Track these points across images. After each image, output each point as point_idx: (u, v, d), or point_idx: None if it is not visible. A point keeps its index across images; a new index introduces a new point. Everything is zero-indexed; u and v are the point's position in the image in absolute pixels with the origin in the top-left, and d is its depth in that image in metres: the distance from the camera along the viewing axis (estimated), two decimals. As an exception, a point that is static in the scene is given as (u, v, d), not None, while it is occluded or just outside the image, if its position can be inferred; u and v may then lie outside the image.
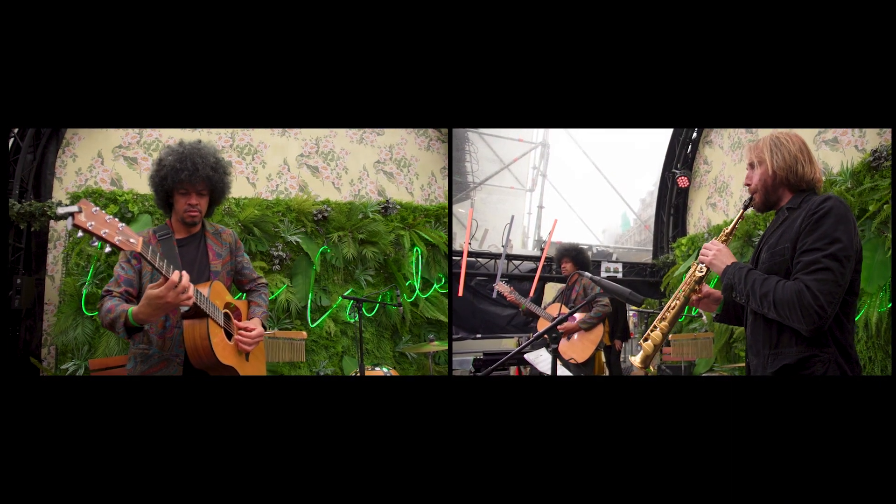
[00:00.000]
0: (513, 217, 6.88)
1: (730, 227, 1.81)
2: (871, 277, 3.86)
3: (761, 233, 5.02)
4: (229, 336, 2.13)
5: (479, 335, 6.68)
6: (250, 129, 5.92)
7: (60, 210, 1.51)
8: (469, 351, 7.07)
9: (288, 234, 5.21)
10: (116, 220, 1.62)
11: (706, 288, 1.84)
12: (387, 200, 5.58)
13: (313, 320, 5.19)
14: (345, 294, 5.23)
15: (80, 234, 1.53)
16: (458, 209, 9.28)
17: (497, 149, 10.27)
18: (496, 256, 6.59)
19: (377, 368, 4.54)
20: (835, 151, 4.95)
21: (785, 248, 1.57)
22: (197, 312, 1.93)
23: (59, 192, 5.30)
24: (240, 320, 2.25)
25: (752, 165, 1.74)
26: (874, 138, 4.54)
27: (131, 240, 1.64)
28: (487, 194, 10.40)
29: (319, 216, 5.34)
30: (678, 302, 1.82)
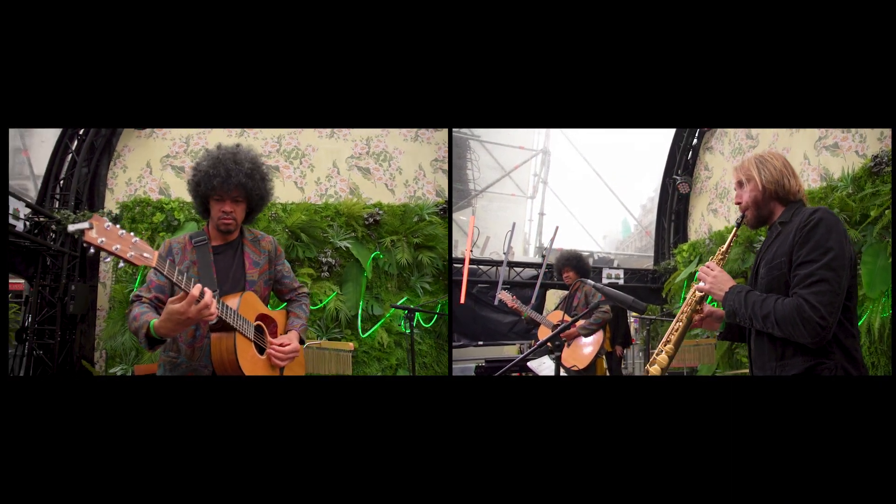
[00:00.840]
0: (514, 224, 6.88)
1: (725, 246, 1.85)
2: (873, 283, 3.85)
3: (762, 238, 5.01)
4: (262, 350, 2.06)
5: (480, 342, 6.67)
6: (297, 133, 5.84)
7: (71, 227, 1.47)
8: (471, 358, 7.05)
9: (337, 239, 5.01)
10: (131, 234, 1.58)
11: (707, 307, 1.87)
12: (445, 201, 5.27)
13: (364, 330, 4.96)
14: (397, 303, 4.91)
15: (91, 250, 1.50)
16: (460, 217, 9.29)
17: (498, 156, 10.30)
18: (498, 264, 6.58)
19: None
20: (836, 157, 4.96)
21: (781, 261, 1.62)
22: (224, 325, 1.87)
23: (111, 203, 5.49)
24: (276, 332, 2.16)
25: (740, 184, 1.80)
26: (875, 144, 4.55)
27: (145, 254, 1.60)
28: (489, 202, 10.42)
29: (371, 220, 5.10)
30: (681, 324, 1.85)
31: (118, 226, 1.55)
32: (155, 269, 1.64)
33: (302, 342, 2.22)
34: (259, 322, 2.08)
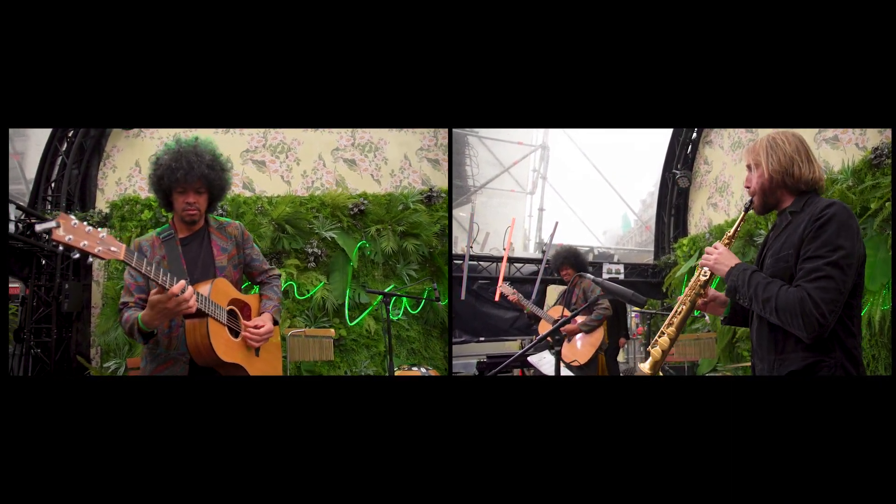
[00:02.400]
0: (514, 220, 6.88)
1: (732, 230, 1.80)
2: (873, 276, 3.85)
3: (763, 232, 5.03)
4: (236, 333, 2.12)
5: (482, 338, 6.67)
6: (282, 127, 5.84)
7: (38, 227, 1.49)
8: (472, 354, 7.05)
9: (323, 230, 5.07)
10: (99, 230, 1.60)
11: (712, 292, 1.83)
12: (430, 189, 5.32)
13: (352, 318, 5.03)
14: (381, 291, 4.83)
15: (60, 248, 1.52)
16: (459, 213, 9.28)
17: (497, 152, 10.28)
18: (497, 260, 6.58)
19: (414, 368, 4.39)
20: (835, 150, 4.95)
21: (789, 254, 1.57)
22: (197, 312, 1.92)
23: (101, 202, 5.54)
24: (250, 315, 2.23)
25: (749, 168, 1.74)
26: (875, 136, 4.54)
27: (112, 248, 1.62)
28: (488, 198, 10.41)
29: (356, 210, 5.15)
30: (685, 307, 1.81)
31: (85, 223, 1.57)
32: (123, 261, 1.67)
33: (276, 323, 2.29)
34: (232, 307, 2.14)
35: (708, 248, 1.76)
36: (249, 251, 2.35)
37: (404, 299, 5.05)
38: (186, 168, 2.07)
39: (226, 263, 2.21)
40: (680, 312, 1.82)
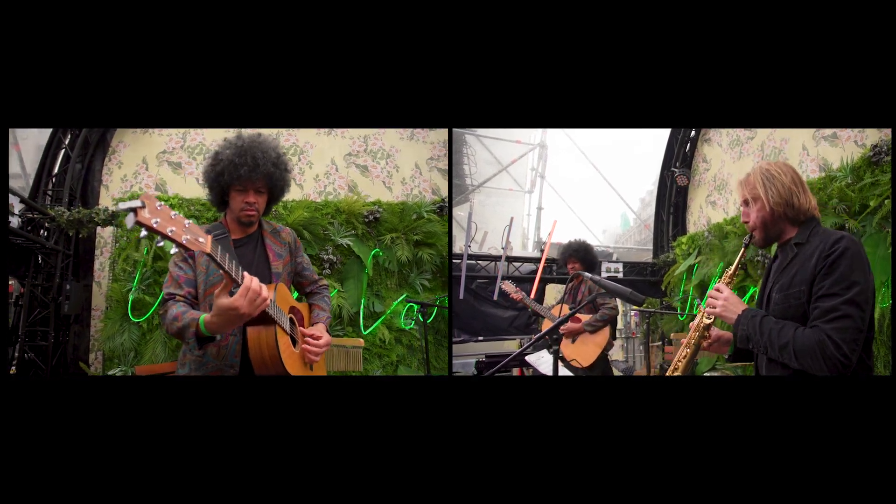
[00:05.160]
0: (512, 219, 6.86)
1: (733, 268, 1.77)
2: (872, 273, 3.84)
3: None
4: (294, 342, 1.99)
5: (480, 338, 6.66)
6: (295, 130, 5.82)
7: (122, 205, 1.29)
8: (471, 353, 7.04)
9: (338, 236, 5.06)
10: (182, 216, 1.42)
11: (715, 331, 1.81)
12: (442, 199, 5.36)
13: (366, 327, 5.02)
14: (404, 299, 4.96)
15: (143, 232, 1.33)
16: (458, 212, 9.27)
17: (495, 151, 10.27)
18: (496, 259, 6.57)
19: None
20: (834, 147, 4.94)
21: (801, 290, 1.53)
22: (263, 318, 1.74)
23: (106, 199, 5.42)
24: (302, 325, 2.10)
25: (746, 202, 1.71)
26: (874, 133, 4.53)
27: (200, 239, 1.45)
28: (486, 196, 10.39)
29: (370, 217, 5.16)
30: (689, 350, 1.80)
31: (169, 206, 1.43)
32: (209, 255, 1.49)
33: (329, 335, 2.17)
34: (291, 315, 2.02)
35: (712, 293, 1.72)
36: (301, 259, 2.21)
37: (415, 308, 5.05)
38: (252, 165, 1.91)
39: (281, 270, 2.06)
40: (685, 356, 1.80)
